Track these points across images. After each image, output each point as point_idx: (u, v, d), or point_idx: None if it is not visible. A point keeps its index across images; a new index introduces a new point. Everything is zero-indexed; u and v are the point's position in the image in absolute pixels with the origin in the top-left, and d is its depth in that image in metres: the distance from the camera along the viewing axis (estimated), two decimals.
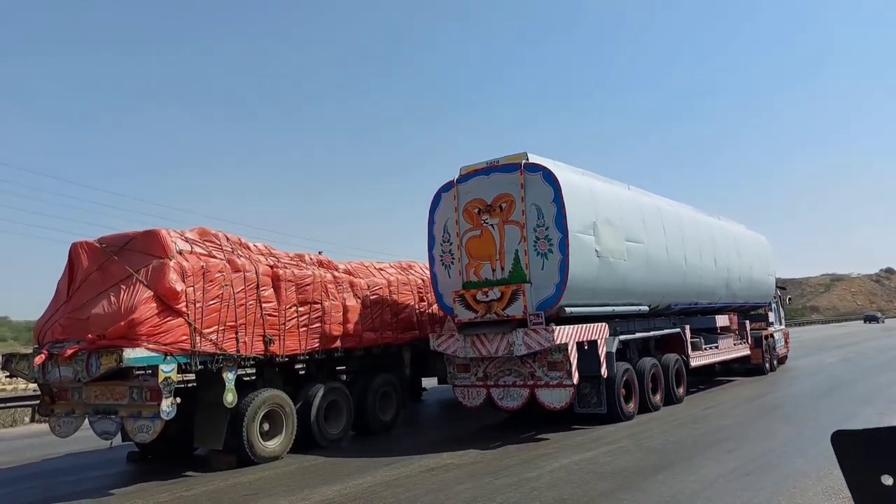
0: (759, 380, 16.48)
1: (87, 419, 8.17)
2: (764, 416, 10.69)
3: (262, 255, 9.54)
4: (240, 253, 9.10)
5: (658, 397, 11.81)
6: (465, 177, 10.43)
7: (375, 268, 11.69)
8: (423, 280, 12.21)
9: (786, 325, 21.95)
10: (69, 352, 7.45)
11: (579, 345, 9.77)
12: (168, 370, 7.50)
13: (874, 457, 1.82)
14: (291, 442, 8.98)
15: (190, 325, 7.81)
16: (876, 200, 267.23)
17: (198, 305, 7.96)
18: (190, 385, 8.86)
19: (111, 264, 8.20)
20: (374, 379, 10.70)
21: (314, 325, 9.53)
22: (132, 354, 7.23)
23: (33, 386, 12.71)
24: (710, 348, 14.54)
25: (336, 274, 10.30)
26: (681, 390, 12.70)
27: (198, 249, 8.46)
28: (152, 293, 7.65)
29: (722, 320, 15.21)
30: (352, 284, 10.40)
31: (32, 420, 15.82)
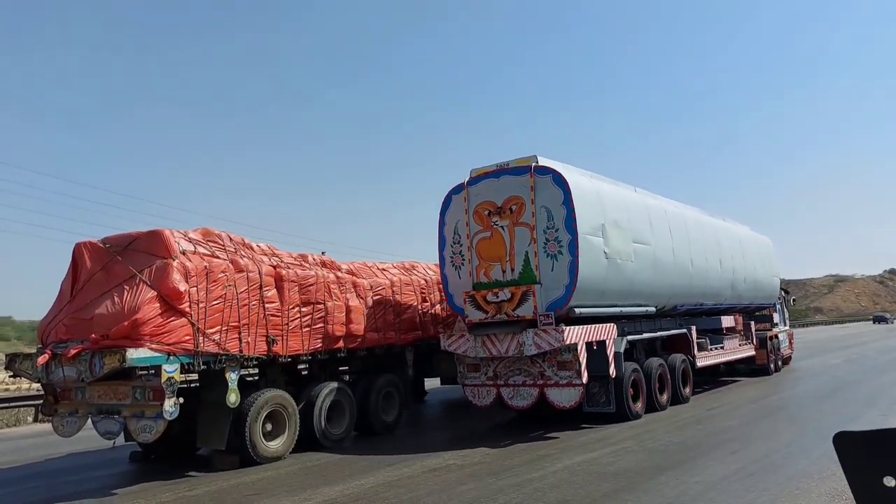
0: (764, 380, 16.45)
1: (90, 419, 8.18)
2: (768, 417, 10.67)
3: (266, 255, 9.54)
4: (243, 253, 9.11)
5: (665, 397, 11.89)
6: (476, 179, 10.54)
7: (378, 268, 11.69)
8: (425, 280, 12.21)
9: (790, 326, 21.96)
10: (73, 352, 7.46)
11: (588, 345, 9.87)
12: (171, 370, 7.51)
13: (876, 458, 1.82)
14: (294, 442, 8.98)
15: (193, 325, 7.82)
16: (879, 201, 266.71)
17: (201, 306, 7.96)
18: (193, 385, 8.88)
19: (115, 264, 8.21)
20: (377, 379, 10.70)
21: (317, 326, 9.53)
22: (135, 354, 7.24)
23: (37, 386, 12.75)
24: (716, 349, 14.60)
25: (339, 274, 10.30)
26: (687, 390, 12.77)
27: (201, 250, 8.47)
28: (156, 293, 7.65)
29: (727, 321, 15.24)
30: (355, 285, 10.41)
31: (36, 420, 15.87)
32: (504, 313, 9.91)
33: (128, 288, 7.80)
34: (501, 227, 10.16)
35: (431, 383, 15.53)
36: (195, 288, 7.93)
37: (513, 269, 10.02)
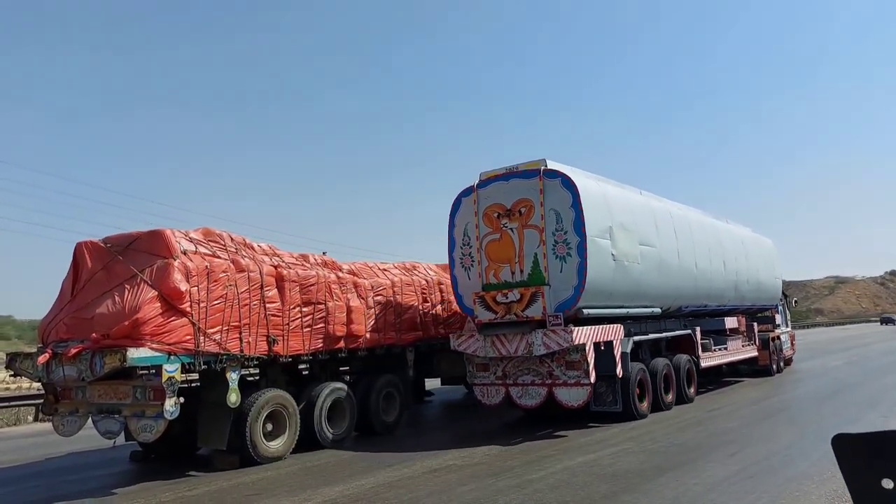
0: (765, 381, 16.44)
1: (90, 418, 8.18)
2: (768, 419, 10.66)
3: (266, 255, 9.55)
4: (244, 253, 9.11)
5: (670, 397, 12.00)
6: (485, 182, 10.68)
7: (379, 268, 11.70)
8: (426, 281, 12.22)
9: (791, 328, 22.00)
10: (73, 351, 7.46)
11: (596, 345, 9.98)
12: (172, 370, 7.52)
13: (875, 460, 1.81)
14: (294, 442, 8.99)
15: (194, 324, 7.83)
16: (879, 201, 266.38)
17: (202, 305, 7.97)
18: (193, 385, 8.88)
19: (116, 264, 8.22)
20: (378, 379, 10.71)
21: (318, 326, 9.54)
22: (136, 354, 7.25)
23: (37, 385, 12.76)
24: (720, 349, 14.70)
25: (340, 274, 10.31)
26: (692, 390, 12.86)
27: (202, 249, 8.47)
28: (156, 293, 7.66)
29: (731, 322, 15.30)
30: (355, 285, 10.41)
31: (36, 419, 15.88)
32: (513, 314, 10.05)
33: (129, 287, 7.81)
34: (511, 229, 10.30)
35: (432, 384, 15.54)
36: (196, 288, 7.94)
37: (522, 271, 10.17)
